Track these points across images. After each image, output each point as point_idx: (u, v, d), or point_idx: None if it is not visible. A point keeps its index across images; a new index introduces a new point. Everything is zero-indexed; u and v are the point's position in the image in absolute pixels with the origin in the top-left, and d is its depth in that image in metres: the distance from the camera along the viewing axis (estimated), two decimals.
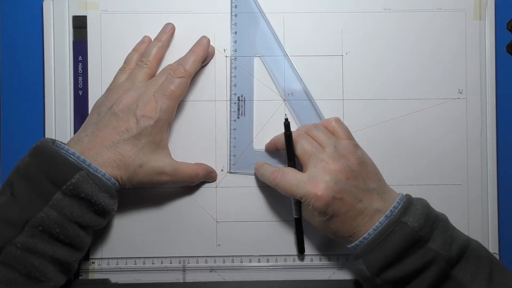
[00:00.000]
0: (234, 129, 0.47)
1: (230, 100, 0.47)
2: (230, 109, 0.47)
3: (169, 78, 0.43)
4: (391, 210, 0.40)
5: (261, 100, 0.48)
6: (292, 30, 0.48)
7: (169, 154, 0.44)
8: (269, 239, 0.47)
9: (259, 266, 0.47)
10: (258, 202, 0.47)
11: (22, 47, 0.48)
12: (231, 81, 0.48)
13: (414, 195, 0.42)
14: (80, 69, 0.47)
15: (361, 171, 0.41)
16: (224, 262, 0.47)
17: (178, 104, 0.44)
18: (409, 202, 0.40)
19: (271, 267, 0.47)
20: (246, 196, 0.47)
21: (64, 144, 0.41)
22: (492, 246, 0.47)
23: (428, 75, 0.48)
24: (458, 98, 0.48)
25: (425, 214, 0.39)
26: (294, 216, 0.45)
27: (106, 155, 0.40)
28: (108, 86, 0.46)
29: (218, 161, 0.47)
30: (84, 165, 0.39)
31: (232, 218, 0.47)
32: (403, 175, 0.47)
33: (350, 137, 0.44)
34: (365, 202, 0.40)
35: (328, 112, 0.47)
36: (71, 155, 0.39)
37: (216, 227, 0.47)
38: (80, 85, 0.47)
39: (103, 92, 0.47)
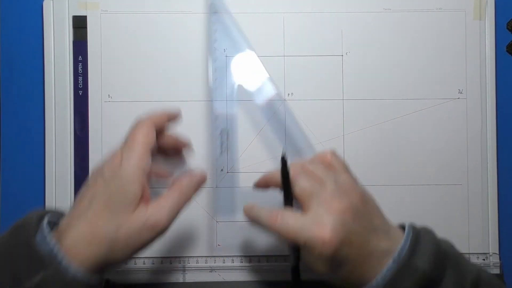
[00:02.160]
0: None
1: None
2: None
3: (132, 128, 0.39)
4: (398, 253, 0.35)
5: (261, 100, 0.48)
6: (292, 30, 0.48)
7: (148, 208, 0.36)
8: (269, 239, 0.47)
9: (259, 266, 0.47)
10: (258, 202, 0.47)
11: (22, 47, 0.48)
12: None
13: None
14: (80, 69, 0.47)
15: (365, 208, 0.37)
16: (224, 262, 0.47)
17: (150, 152, 0.37)
18: (416, 240, 0.36)
19: (271, 267, 0.47)
20: (246, 196, 0.47)
21: (54, 222, 0.36)
22: (492, 246, 0.47)
23: (428, 75, 0.48)
24: (458, 98, 0.48)
25: (435, 252, 0.35)
26: (292, 265, 0.38)
27: (77, 230, 0.34)
28: (107, 85, 0.47)
29: (218, 161, 0.47)
30: (55, 260, 0.33)
31: (232, 218, 0.47)
32: (403, 175, 0.47)
33: (347, 170, 0.39)
34: (373, 243, 0.36)
35: (328, 112, 0.47)
36: (46, 244, 0.33)
37: (216, 227, 0.47)
38: (80, 85, 0.47)
39: (103, 92, 0.47)
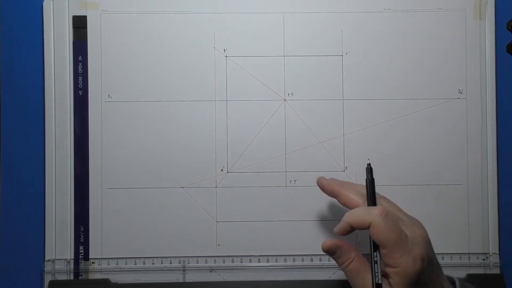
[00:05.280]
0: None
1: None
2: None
3: None
4: None
5: (261, 100, 0.48)
6: (292, 30, 0.48)
7: None
8: (269, 239, 0.47)
9: (259, 266, 0.47)
10: (258, 202, 0.47)
11: (22, 47, 0.48)
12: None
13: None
14: (80, 69, 0.47)
15: (431, 245, 0.38)
16: (224, 262, 0.47)
17: None
18: None
19: (271, 267, 0.47)
20: (246, 196, 0.47)
21: None
22: (492, 246, 0.47)
23: (428, 75, 0.48)
24: (458, 98, 0.48)
25: None
26: (379, 282, 0.36)
27: None
28: (107, 85, 0.47)
29: (218, 161, 0.47)
30: None
31: (232, 218, 0.47)
32: (403, 175, 0.47)
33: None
34: (440, 277, 0.37)
35: (328, 112, 0.47)
36: None
37: (216, 227, 0.47)
38: (80, 85, 0.47)
39: (103, 92, 0.47)
